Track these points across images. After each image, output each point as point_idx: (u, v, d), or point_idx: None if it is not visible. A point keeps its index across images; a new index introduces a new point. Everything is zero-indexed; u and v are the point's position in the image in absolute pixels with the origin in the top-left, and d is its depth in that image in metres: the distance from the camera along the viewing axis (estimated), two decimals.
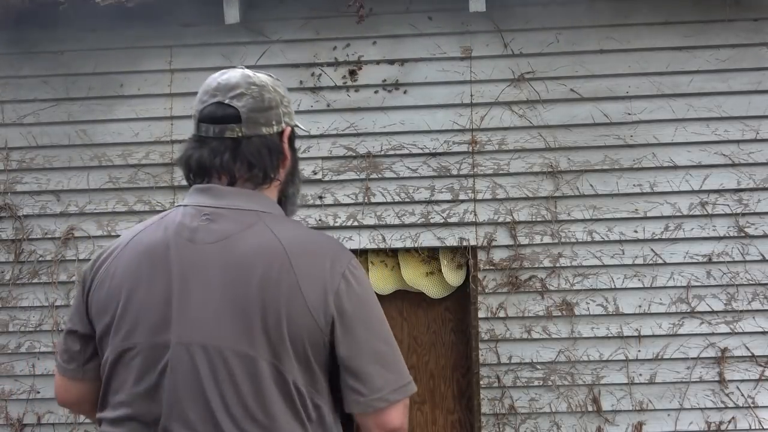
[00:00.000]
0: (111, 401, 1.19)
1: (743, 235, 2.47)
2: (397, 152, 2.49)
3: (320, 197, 2.51)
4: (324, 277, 1.13)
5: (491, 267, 2.50)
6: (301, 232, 1.20)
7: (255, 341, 1.13)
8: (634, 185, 2.47)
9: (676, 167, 2.46)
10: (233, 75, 1.21)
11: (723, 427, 2.51)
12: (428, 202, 2.50)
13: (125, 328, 1.17)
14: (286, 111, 1.26)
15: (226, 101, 1.19)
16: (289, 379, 1.12)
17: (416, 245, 2.51)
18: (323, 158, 2.50)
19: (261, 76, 1.24)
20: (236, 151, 1.18)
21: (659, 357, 2.50)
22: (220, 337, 1.14)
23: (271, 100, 1.23)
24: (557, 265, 2.50)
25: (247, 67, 1.34)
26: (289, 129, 1.25)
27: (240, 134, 1.19)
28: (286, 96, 1.28)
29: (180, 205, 1.21)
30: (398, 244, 2.51)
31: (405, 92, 2.47)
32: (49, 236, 2.57)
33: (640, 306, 2.50)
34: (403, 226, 2.51)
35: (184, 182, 1.27)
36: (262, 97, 1.21)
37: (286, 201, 1.29)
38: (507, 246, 2.50)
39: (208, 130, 1.20)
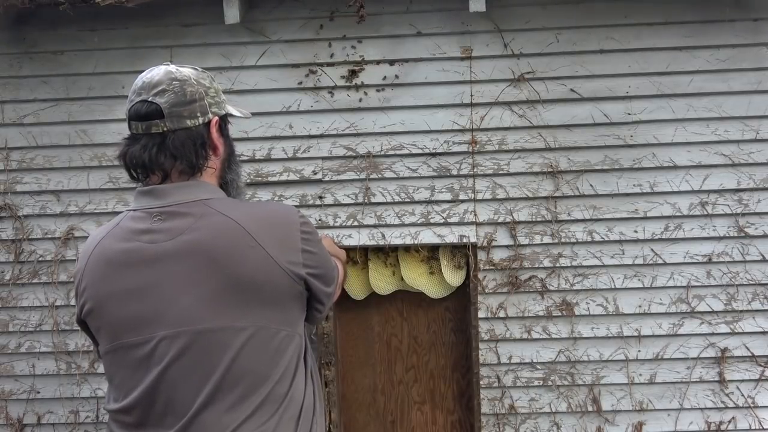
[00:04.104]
0: (115, 396, 1.28)
1: (743, 235, 2.47)
2: (397, 152, 2.49)
3: (320, 197, 2.51)
4: (288, 241, 1.28)
5: (491, 267, 2.51)
6: (250, 208, 1.30)
7: (240, 315, 1.22)
8: (634, 185, 2.47)
9: (676, 167, 2.46)
10: (157, 73, 1.29)
11: (723, 427, 2.51)
12: (428, 202, 2.50)
13: (110, 332, 1.25)
14: (213, 102, 1.33)
15: (150, 98, 1.26)
16: (279, 334, 1.26)
17: (416, 242, 2.51)
18: (323, 158, 2.50)
19: (184, 71, 1.31)
20: (162, 145, 1.25)
21: (659, 357, 2.50)
22: (203, 322, 1.21)
23: (193, 93, 1.28)
24: (557, 265, 2.50)
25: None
26: (216, 119, 1.33)
27: (164, 129, 1.26)
28: (212, 87, 1.35)
29: (129, 210, 1.30)
30: (398, 242, 2.51)
31: (405, 92, 2.47)
32: (49, 236, 2.57)
33: (640, 306, 2.50)
34: (403, 225, 2.51)
35: None
36: (183, 91, 1.27)
37: (227, 186, 1.38)
38: (507, 246, 2.51)
39: (137, 128, 1.27)
